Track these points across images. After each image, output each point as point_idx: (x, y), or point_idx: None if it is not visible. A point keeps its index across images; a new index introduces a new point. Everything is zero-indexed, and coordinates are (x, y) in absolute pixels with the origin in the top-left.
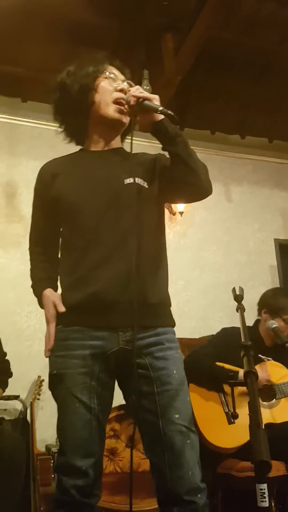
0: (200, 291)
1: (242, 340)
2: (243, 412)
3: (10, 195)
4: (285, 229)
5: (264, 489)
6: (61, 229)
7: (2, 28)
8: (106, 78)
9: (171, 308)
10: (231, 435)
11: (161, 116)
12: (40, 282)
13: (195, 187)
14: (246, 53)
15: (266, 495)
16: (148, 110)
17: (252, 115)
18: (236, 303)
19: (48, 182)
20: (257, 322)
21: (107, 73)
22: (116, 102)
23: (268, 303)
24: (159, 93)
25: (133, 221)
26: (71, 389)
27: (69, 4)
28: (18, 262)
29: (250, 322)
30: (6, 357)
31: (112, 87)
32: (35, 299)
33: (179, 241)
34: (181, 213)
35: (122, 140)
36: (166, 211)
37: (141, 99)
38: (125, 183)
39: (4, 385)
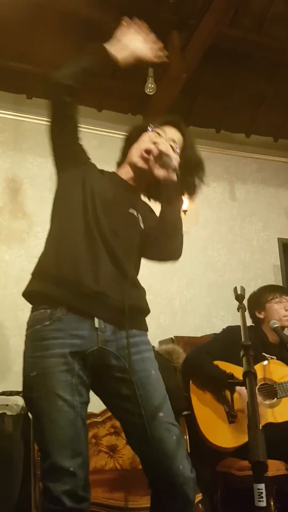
0: (203, 289)
1: (242, 339)
2: (243, 412)
3: (14, 191)
4: None
5: (261, 489)
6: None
7: (8, 24)
8: (149, 132)
9: (175, 305)
10: (231, 434)
11: (174, 177)
12: None
13: (160, 249)
14: (255, 50)
15: (263, 495)
16: (165, 165)
17: (259, 113)
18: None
19: (93, 168)
20: (259, 320)
21: (150, 129)
22: (144, 151)
23: (255, 305)
24: (165, 90)
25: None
26: (53, 388)
27: (76, 0)
28: (22, 258)
29: (251, 322)
30: None
31: (150, 140)
32: None
33: (183, 239)
34: (185, 211)
35: (149, 197)
36: None
37: (164, 154)
38: (129, 211)
39: None
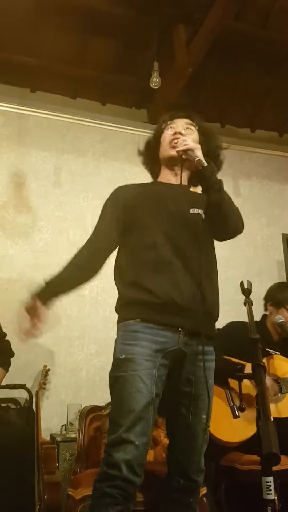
0: None
1: (250, 333)
2: (248, 406)
3: (19, 186)
4: None
5: (270, 482)
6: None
7: (12, 18)
8: (166, 130)
9: None
10: (235, 429)
11: (204, 164)
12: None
13: (222, 230)
14: (261, 44)
15: (272, 487)
16: (190, 158)
17: (265, 108)
18: (243, 297)
19: (123, 206)
20: (264, 316)
21: (164, 126)
22: (170, 144)
23: (272, 296)
24: (170, 85)
25: (198, 245)
26: (138, 371)
27: None
28: (26, 252)
29: (257, 316)
30: (7, 338)
31: (169, 135)
32: None
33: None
34: None
35: (192, 186)
36: None
37: (185, 150)
38: (190, 212)
39: (7, 365)
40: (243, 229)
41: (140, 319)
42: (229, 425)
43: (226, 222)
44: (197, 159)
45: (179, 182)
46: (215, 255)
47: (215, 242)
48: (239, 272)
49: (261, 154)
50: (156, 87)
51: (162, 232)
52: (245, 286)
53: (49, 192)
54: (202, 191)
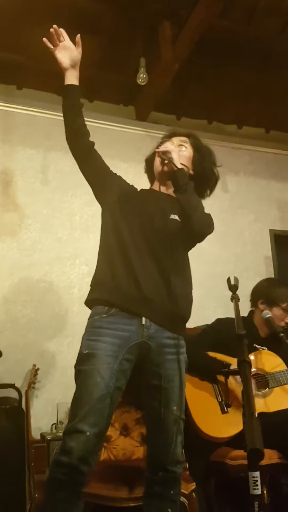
0: (195, 281)
1: (236, 329)
2: (236, 402)
3: (5, 184)
4: (281, 220)
5: (256, 477)
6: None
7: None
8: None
9: None
10: (224, 424)
11: (179, 166)
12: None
13: (187, 232)
14: (247, 41)
15: (258, 483)
16: (166, 159)
17: (251, 105)
18: (231, 293)
19: (129, 185)
20: (251, 312)
21: (161, 143)
22: (157, 154)
23: (264, 293)
24: (156, 81)
25: (171, 247)
26: (97, 366)
27: None
28: (14, 251)
29: (245, 312)
30: None
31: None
32: (30, 288)
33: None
34: None
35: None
36: None
37: (164, 153)
38: (170, 218)
39: None
40: (208, 232)
41: (104, 305)
42: (218, 420)
43: (190, 224)
44: (171, 160)
45: (165, 191)
46: (188, 261)
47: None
48: (227, 268)
49: (248, 150)
50: (143, 84)
51: (139, 228)
52: (232, 282)
53: (37, 190)
54: (173, 192)
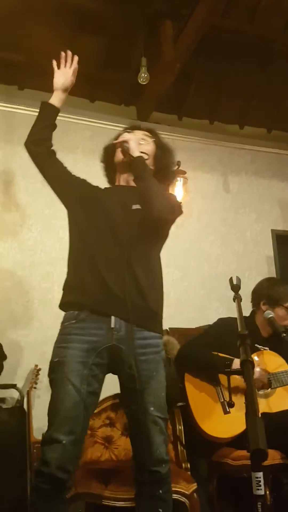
0: (197, 281)
1: (239, 329)
2: (239, 402)
3: (6, 184)
4: (283, 219)
5: (259, 478)
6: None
7: (0, 15)
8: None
9: (170, 297)
10: (226, 425)
11: (137, 154)
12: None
13: (148, 215)
14: (249, 40)
15: (261, 483)
16: (125, 149)
17: (253, 104)
18: (233, 293)
19: (91, 186)
20: (253, 312)
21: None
22: (116, 144)
23: (266, 294)
24: (158, 81)
25: (136, 239)
26: (67, 374)
27: None
28: (15, 251)
29: (247, 312)
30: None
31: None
32: (32, 288)
33: (177, 232)
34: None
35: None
36: None
37: (121, 143)
38: (132, 208)
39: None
40: (172, 218)
41: (74, 309)
42: (220, 421)
43: (150, 209)
44: (128, 149)
45: (127, 183)
46: (157, 250)
47: (206, 238)
48: (229, 268)
49: (250, 150)
50: (144, 83)
51: (101, 225)
52: (234, 282)
53: (38, 190)
54: (133, 181)
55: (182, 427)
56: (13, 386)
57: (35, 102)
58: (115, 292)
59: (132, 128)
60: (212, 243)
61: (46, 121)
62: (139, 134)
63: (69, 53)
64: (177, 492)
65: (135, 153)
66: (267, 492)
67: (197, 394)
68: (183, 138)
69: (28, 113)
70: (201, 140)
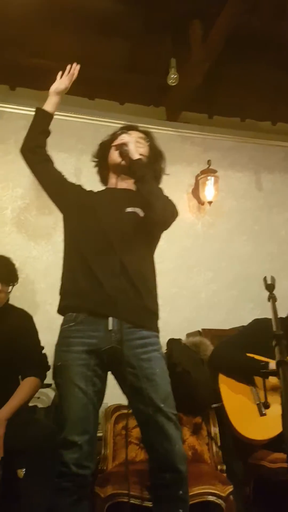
0: (229, 282)
1: (274, 329)
2: (274, 403)
3: (40, 188)
4: None
5: None
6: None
7: (27, 21)
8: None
9: (201, 298)
10: (262, 427)
11: (136, 157)
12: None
13: (150, 218)
14: (276, 38)
15: None
16: (124, 152)
17: (284, 100)
18: (267, 294)
19: (85, 192)
20: None
21: (119, 134)
22: (115, 146)
23: None
24: (187, 81)
25: (130, 241)
26: (71, 377)
27: None
28: (49, 253)
29: (282, 313)
30: (43, 351)
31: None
32: None
33: (208, 231)
34: (209, 202)
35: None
36: (195, 201)
37: (120, 146)
38: (126, 211)
39: (43, 377)
40: (172, 220)
41: (72, 312)
42: (256, 423)
43: (154, 212)
44: (128, 152)
45: (122, 186)
46: (151, 252)
47: (238, 238)
48: (263, 268)
49: (284, 147)
50: (173, 84)
51: (95, 229)
52: (268, 281)
53: None
54: (134, 183)
55: (218, 428)
56: (49, 385)
57: (66, 107)
58: (111, 293)
59: (128, 129)
60: (244, 243)
61: (40, 127)
62: (135, 135)
63: (74, 65)
64: (213, 494)
65: (135, 155)
66: None
67: (232, 395)
68: (214, 137)
69: (59, 118)
70: (233, 138)
